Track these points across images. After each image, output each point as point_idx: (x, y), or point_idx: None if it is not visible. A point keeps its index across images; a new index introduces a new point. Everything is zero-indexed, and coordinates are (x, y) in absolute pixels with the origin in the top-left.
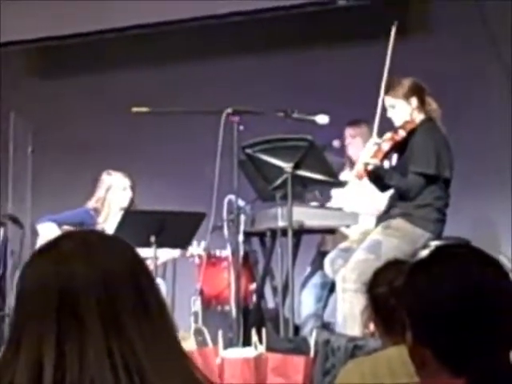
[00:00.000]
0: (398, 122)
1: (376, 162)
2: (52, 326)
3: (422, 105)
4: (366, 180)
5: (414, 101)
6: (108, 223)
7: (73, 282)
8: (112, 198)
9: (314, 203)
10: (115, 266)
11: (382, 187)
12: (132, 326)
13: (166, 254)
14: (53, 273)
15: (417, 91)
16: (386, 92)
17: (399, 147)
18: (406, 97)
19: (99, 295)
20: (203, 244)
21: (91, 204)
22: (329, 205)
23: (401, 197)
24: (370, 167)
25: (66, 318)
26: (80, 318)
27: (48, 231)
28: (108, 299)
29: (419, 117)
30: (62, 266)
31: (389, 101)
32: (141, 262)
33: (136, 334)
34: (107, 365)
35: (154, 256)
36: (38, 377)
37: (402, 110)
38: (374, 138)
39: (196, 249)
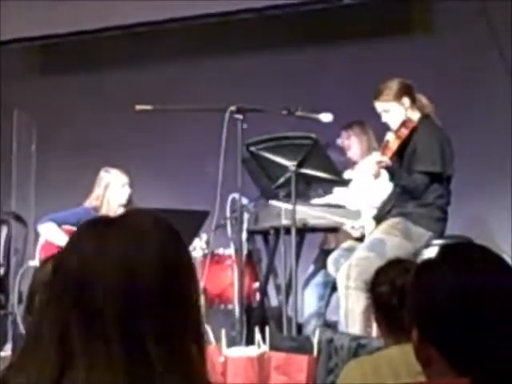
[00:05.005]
0: (394, 125)
1: (387, 160)
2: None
3: (414, 103)
4: (364, 176)
5: (406, 100)
6: None
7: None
8: (111, 196)
9: (316, 199)
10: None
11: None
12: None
13: None
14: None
15: (406, 90)
16: (376, 98)
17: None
18: (398, 98)
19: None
20: (204, 237)
21: (90, 202)
22: (329, 198)
23: (403, 196)
24: (382, 165)
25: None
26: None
27: (48, 231)
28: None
29: (414, 115)
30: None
31: (380, 106)
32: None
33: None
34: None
35: None
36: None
37: (397, 112)
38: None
39: (197, 242)
